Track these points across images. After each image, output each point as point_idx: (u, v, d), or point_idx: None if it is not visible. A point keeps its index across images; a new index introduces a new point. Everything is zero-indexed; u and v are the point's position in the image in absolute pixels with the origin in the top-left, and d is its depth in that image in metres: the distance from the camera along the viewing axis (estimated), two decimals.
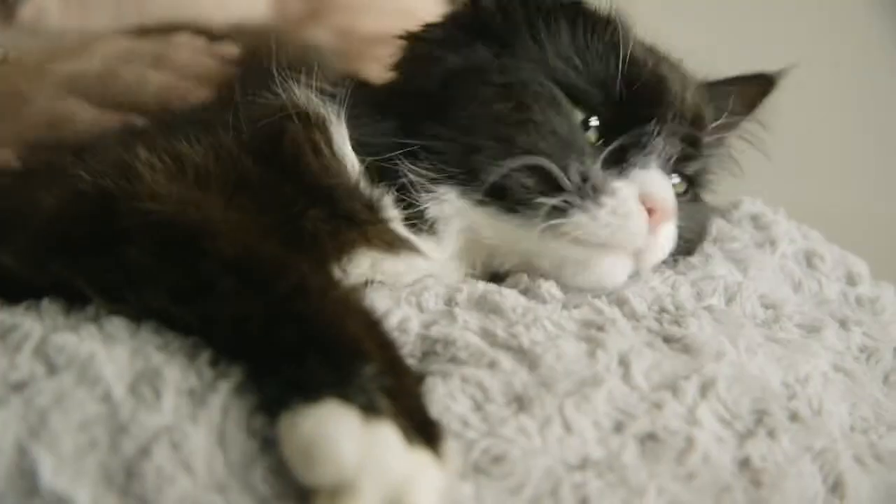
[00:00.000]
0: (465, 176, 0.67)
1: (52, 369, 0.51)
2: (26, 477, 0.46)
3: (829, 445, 0.59)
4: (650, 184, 0.69)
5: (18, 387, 0.50)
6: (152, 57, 0.83)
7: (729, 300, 0.73)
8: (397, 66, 0.76)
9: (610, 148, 0.69)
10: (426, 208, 0.68)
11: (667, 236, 0.72)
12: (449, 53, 0.72)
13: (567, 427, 0.54)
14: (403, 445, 0.46)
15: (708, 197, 0.84)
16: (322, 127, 0.67)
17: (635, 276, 0.72)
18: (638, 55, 0.72)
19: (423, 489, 0.45)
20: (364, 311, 0.56)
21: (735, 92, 0.81)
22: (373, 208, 0.67)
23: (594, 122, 0.70)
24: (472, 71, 0.70)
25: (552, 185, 0.66)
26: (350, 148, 0.67)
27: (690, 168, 0.77)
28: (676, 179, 0.76)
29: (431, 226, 0.69)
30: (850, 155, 1.58)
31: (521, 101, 0.68)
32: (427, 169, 0.67)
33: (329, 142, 0.66)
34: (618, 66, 0.70)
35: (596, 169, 0.67)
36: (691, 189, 0.79)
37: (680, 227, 0.74)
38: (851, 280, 0.83)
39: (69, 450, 0.47)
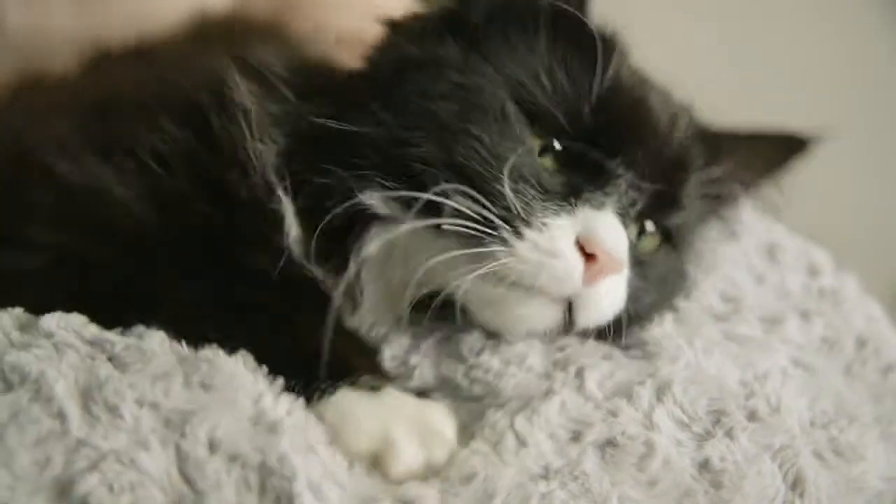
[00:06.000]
0: (390, 175, 0.60)
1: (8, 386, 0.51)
2: None
3: (787, 442, 0.60)
4: (595, 227, 0.60)
5: None
6: None
7: (686, 295, 0.74)
8: (367, 55, 0.69)
9: (561, 179, 0.62)
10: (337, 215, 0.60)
11: (610, 292, 0.62)
12: (414, 43, 0.66)
13: (521, 441, 0.55)
14: (405, 396, 0.58)
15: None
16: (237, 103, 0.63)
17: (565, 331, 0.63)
18: (622, 81, 0.65)
19: (438, 415, 0.57)
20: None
21: (751, 148, 0.74)
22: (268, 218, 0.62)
23: (557, 146, 0.63)
24: (430, 62, 0.64)
25: (476, 211, 0.59)
26: (265, 127, 0.63)
27: (669, 220, 0.68)
28: (652, 227, 0.68)
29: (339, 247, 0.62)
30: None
31: (467, 107, 0.61)
32: (352, 162, 0.60)
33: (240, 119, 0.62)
34: (591, 88, 0.63)
35: (533, 199, 0.60)
36: (667, 245, 0.69)
37: (639, 288, 0.65)
38: (813, 271, 0.83)
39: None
